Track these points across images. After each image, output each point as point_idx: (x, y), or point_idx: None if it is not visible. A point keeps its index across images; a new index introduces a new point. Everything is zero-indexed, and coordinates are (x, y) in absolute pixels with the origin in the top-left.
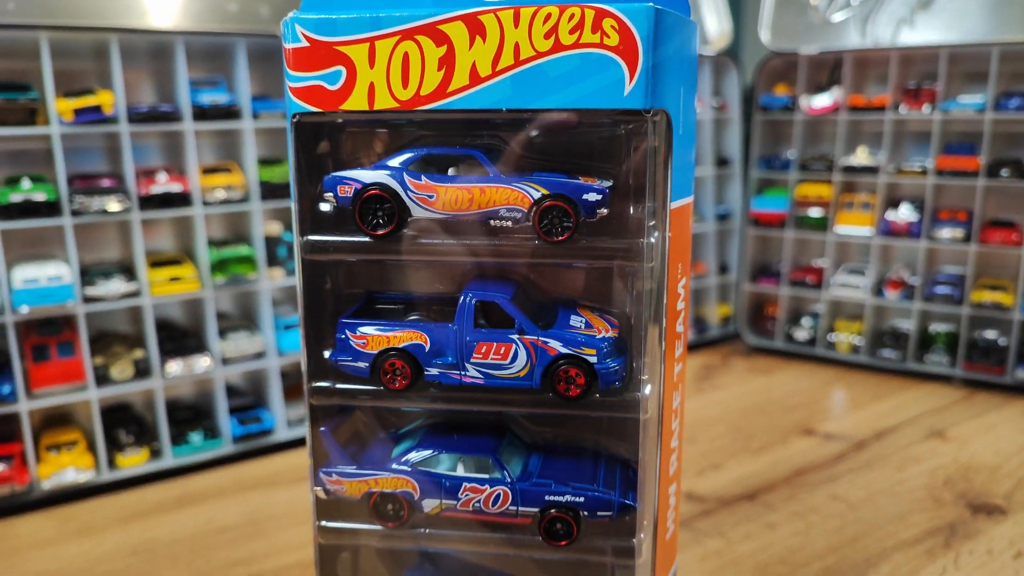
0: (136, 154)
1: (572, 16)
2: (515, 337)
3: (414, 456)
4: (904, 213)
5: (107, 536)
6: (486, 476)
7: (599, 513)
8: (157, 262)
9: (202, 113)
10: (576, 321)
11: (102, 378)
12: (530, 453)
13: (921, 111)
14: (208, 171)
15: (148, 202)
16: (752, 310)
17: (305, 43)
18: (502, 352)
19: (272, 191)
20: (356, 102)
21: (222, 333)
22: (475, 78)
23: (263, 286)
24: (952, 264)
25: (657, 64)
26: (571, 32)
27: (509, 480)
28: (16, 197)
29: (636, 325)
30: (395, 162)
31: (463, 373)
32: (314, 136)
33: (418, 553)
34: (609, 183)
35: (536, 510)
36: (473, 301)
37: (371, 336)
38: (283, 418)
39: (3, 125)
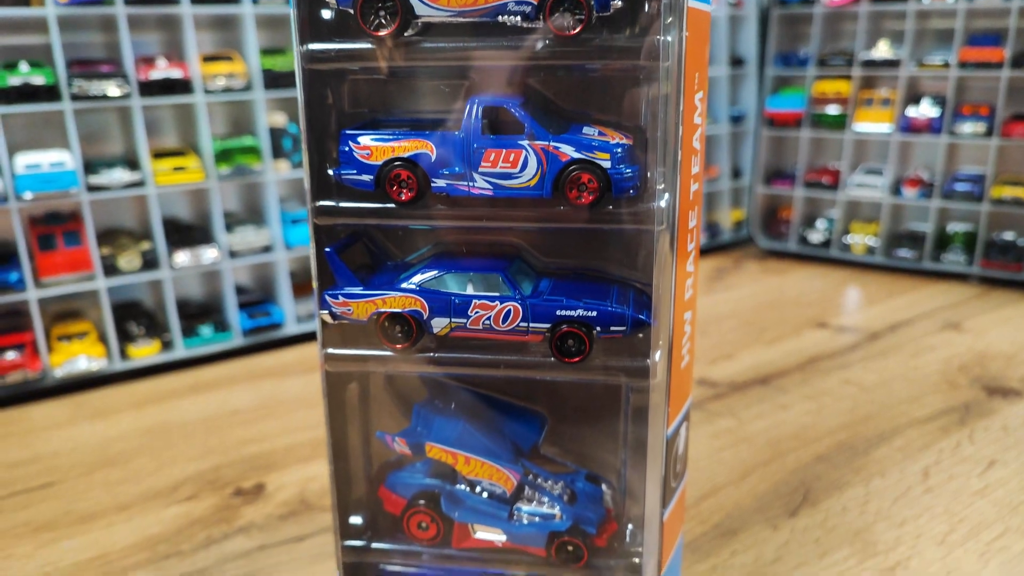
0: (135, 46)
1: None
2: (525, 143)
3: (422, 276)
4: (925, 109)
5: (121, 419)
6: (496, 293)
7: (612, 328)
8: (160, 153)
9: None
10: (589, 130)
11: (110, 268)
12: (540, 277)
13: (945, 1)
14: (208, 59)
15: (148, 88)
16: (765, 214)
17: None
18: (511, 159)
19: (275, 80)
20: None
21: (229, 227)
22: None
23: (268, 178)
24: (972, 164)
25: None
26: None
27: (519, 296)
28: (15, 80)
29: (652, 135)
30: None
31: (471, 184)
32: None
33: (427, 386)
34: None
35: (547, 326)
36: (480, 107)
37: (375, 147)
38: (292, 313)
39: None
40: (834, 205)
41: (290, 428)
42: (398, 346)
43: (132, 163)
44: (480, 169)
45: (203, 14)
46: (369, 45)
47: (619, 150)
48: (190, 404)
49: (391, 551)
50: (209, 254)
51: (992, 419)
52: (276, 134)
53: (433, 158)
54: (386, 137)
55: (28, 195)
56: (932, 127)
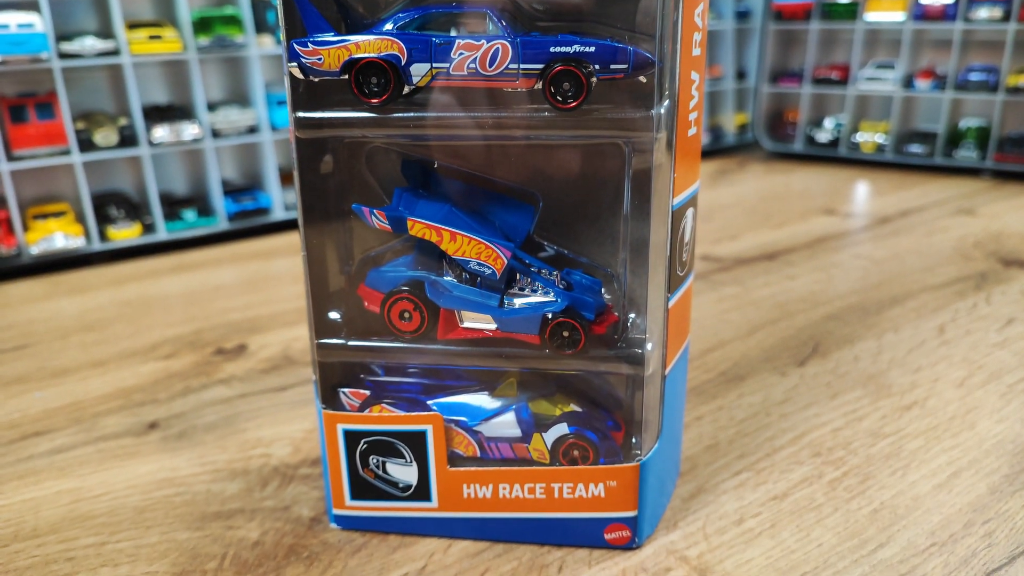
0: None
1: None
2: None
3: (400, 20)
4: None
5: (99, 294)
6: (479, 35)
7: (612, 66)
8: (135, 24)
9: None
10: None
11: (86, 143)
12: (532, 29)
13: None
14: None
15: None
16: (771, 116)
17: None
18: None
19: None
20: None
21: (212, 107)
22: None
23: (252, 53)
24: (987, 56)
25: None
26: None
27: (509, 33)
28: None
29: None
30: None
31: None
32: None
33: (409, 176)
34: None
35: (540, 66)
36: None
37: None
38: (280, 200)
39: None
40: (843, 103)
41: (275, 299)
42: (374, 100)
43: (106, 35)
44: None
45: None
46: None
47: None
48: (171, 281)
49: (371, 348)
50: (190, 130)
51: (1010, 285)
52: (259, 6)
53: None
54: None
55: None
56: (947, 13)
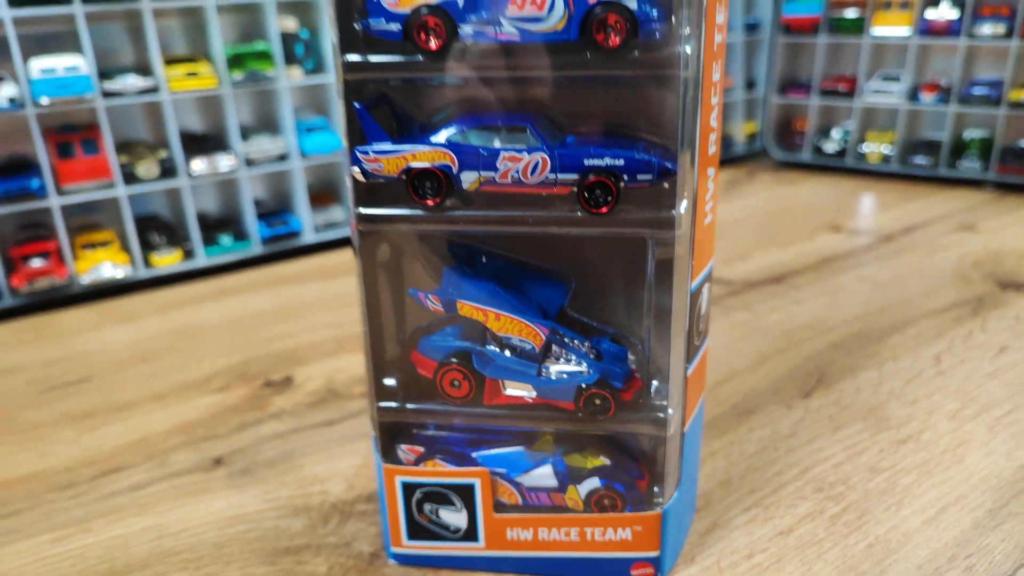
0: None
1: None
2: None
3: (451, 131)
4: (944, 11)
5: (148, 322)
6: (524, 146)
7: (639, 176)
8: (172, 60)
9: None
10: None
11: (129, 176)
12: (566, 134)
13: None
14: None
15: None
16: (779, 125)
17: None
18: (538, 2)
19: None
20: None
21: (244, 135)
22: None
23: (282, 85)
24: (992, 68)
25: None
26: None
27: (547, 147)
28: None
29: None
30: None
31: (498, 29)
32: None
33: (455, 254)
34: None
35: (575, 176)
36: None
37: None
38: (310, 223)
39: None
40: (850, 114)
41: (312, 327)
42: (428, 202)
43: (144, 71)
44: (507, 13)
45: None
46: None
47: None
48: (213, 308)
49: (424, 411)
50: (225, 162)
51: (1005, 310)
52: (288, 40)
53: (461, 4)
54: None
55: (44, 100)
56: (951, 29)
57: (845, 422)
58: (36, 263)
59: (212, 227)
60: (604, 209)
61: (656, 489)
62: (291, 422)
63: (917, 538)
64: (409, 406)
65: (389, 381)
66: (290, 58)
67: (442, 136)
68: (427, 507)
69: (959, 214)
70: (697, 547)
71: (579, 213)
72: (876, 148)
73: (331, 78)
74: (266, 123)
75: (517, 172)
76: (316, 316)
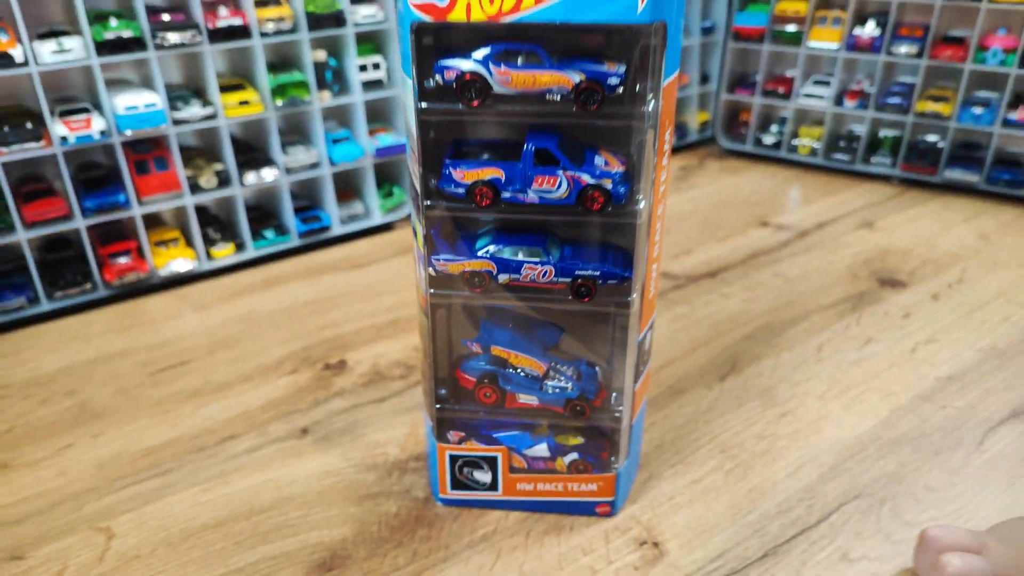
0: None
1: None
2: (560, 172)
3: (492, 248)
4: (870, 29)
5: (217, 310)
6: (538, 259)
7: (609, 281)
8: (225, 87)
9: None
10: (599, 160)
11: (194, 187)
12: (564, 245)
13: None
14: (260, 4)
15: (215, 35)
16: (728, 117)
17: None
18: (551, 182)
19: (317, 21)
20: (457, 14)
21: (283, 147)
22: (537, 0)
23: (315, 107)
24: (907, 75)
25: None
26: None
27: (552, 261)
28: (109, 35)
29: (636, 161)
30: (479, 54)
31: (526, 196)
32: (424, 34)
33: (487, 310)
34: (624, 68)
35: (569, 280)
36: (533, 148)
37: (466, 172)
38: (337, 216)
39: None
40: (787, 110)
41: (353, 316)
42: (477, 290)
43: (199, 93)
44: (532, 187)
45: None
46: (460, 106)
47: (617, 176)
48: (268, 297)
49: (465, 410)
50: (270, 173)
51: (877, 306)
52: (319, 68)
53: (503, 180)
54: (474, 166)
55: (128, 132)
56: (874, 46)
57: (746, 400)
58: (122, 260)
59: (256, 221)
60: (586, 299)
61: (613, 459)
62: (351, 399)
63: (781, 485)
64: (456, 408)
65: (442, 391)
66: (321, 83)
67: (488, 249)
68: (465, 470)
69: (865, 210)
70: (638, 492)
71: (571, 298)
72: (807, 142)
73: (355, 98)
74: (300, 137)
75: (533, 276)
76: (354, 306)
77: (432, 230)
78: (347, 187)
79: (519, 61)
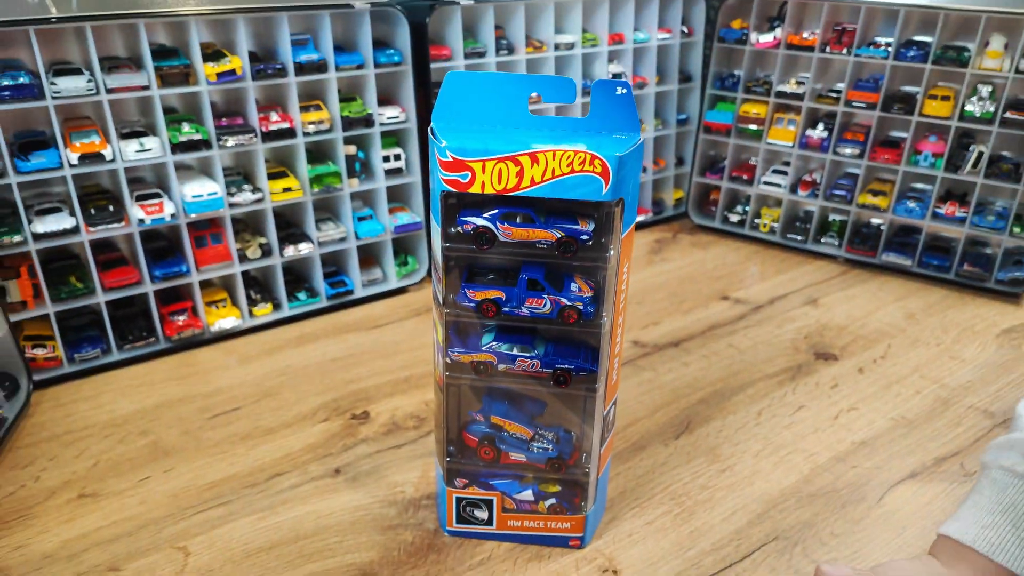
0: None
1: (580, 157)
2: (545, 296)
3: (494, 345)
4: (819, 131)
5: (260, 363)
6: (528, 354)
7: (581, 372)
8: (270, 174)
9: (300, 68)
10: (574, 287)
11: (241, 257)
12: (547, 344)
13: (841, 52)
14: (303, 108)
15: (267, 136)
16: (699, 196)
17: (450, 159)
18: (539, 303)
19: (350, 123)
20: (475, 188)
21: (316, 224)
22: (532, 181)
23: (345, 191)
24: (848, 176)
25: (619, 181)
26: (580, 164)
27: (539, 356)
28: (183, 137)
29: (602, 289)
30: (489, 213)
31: (520, 310)
32: (450, 198)
33: (488, 388)
34: (592, 227)
35: (551, 370)
36: (526, 277)
37: (477, 292)
38: (359, 281)
39: (167, 86)
40: (748, 195)
41: (374, 373)
42: (482, 375)
43: (248, 178)
44: (525, 305)
45: (301, 80)
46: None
47: (587, 299)
48: (301, 352)
49: (468, 463)
50: (306, 247)
51: (811, 377)
52: (349, 160)
53: (503, 299)
54: (482, 288)
55: (193, 216)
56: (822, 146)
57: (695, 456)
58: (180, 318)
59: (290, 283)
60: (564, 386)
61: (583, 503)
62: (374, 445)
63: (716, 528)
64: (460, 462)
65: (451, 448)
66: (351, 173)
67: (489, 345)
68: (468, 508)
69: (811, 288)
70: (604, 530)
71: (552, 384)
72: (768, 222)
73: (378, 184)
74: (332, 214)
75: (524, 367)
76: (374, 363)
77: (450, 330)
78: (369, 256)
79: (517, 220)
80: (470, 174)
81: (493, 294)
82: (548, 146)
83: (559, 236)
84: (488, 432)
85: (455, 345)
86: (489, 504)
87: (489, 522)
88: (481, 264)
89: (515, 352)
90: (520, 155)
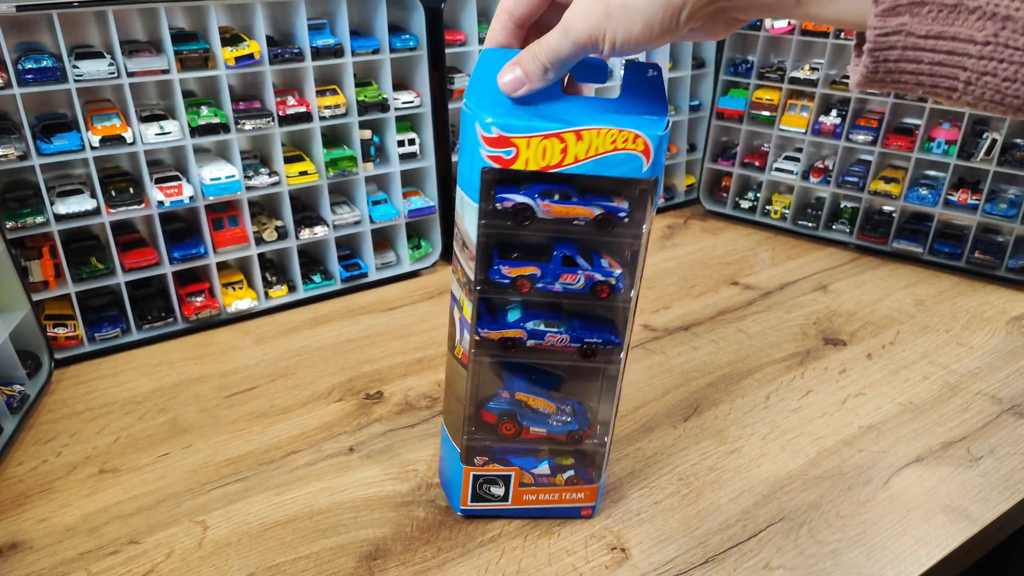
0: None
1: (624, 135)
2: (579, 272)
3: (519, 318)
4: (832, 117)
5: (276, 343)
6: (556, 329)
7: (606, 345)
8: (286, 157)
9: (316, 53)
10: (605, 263)
11: (258, 240)
12: (571, 318)
13: (853, 37)
14: (320, 93)
15: (284, 120)
16: (710, 182)
17: (495, 134)
18: (573, 278)
19: (365, 108)
20: (519, 165)
21: (331, 207)
22: (576, 158)
23: (360, 175)
24: (861, 163)
25: (655, 161)
26: (623, 142)
27: (567, 331)
28: (201, 121)
29: (629, 264)
30: (528, 190)
31: (554, 286)
32: (489, 174)
33: (507, 364)
34: (626, 204)
35: (578, 345)
36: (560, 254)
37: (512, 268)
38: (373, 264)
39: (186, 70)
40: (760, 182)
41: (388, 354)
42: (511, 351)
43: (265, 162)
44: (559, 280)
45: (318, 65)
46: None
47: (618, 274)
48: (316, 334)
49: (487, 438)
50: (321, 230)
51: (820, 362)
52: (364, 144)
53: (538, 275)
54: (517, 264)
55: (211, 198)
56: (835, 133)
57: (703, 438)
58: (198, 299)
59: (305, 265)
60: (592, 358)
61: (594, 474)
62: (388, 424)
63: (723, 508)
64: (481, 439)
65: (471, 427)
66: (365, 156)
67: (516, 319)
68: (484, 486)
69: (822, 274)
70: (612, 508)
71: (579, 357)
72: (779, 208)
73: (393, 168)
74: (347, 197)
75: (553, 342)
76: (387, 344)
77: (481, 305)
78: (382, 239)
79: (556, 197)
80: (514, 150)
81: (528, 270)
82: (592, 124)
83: (597, 213)
84: (508, 408)
85: (484, 322)
86: (507, 480)
87: (505, 498)
88: (510, 242)
89: (543, 328)
90: (565, 132)
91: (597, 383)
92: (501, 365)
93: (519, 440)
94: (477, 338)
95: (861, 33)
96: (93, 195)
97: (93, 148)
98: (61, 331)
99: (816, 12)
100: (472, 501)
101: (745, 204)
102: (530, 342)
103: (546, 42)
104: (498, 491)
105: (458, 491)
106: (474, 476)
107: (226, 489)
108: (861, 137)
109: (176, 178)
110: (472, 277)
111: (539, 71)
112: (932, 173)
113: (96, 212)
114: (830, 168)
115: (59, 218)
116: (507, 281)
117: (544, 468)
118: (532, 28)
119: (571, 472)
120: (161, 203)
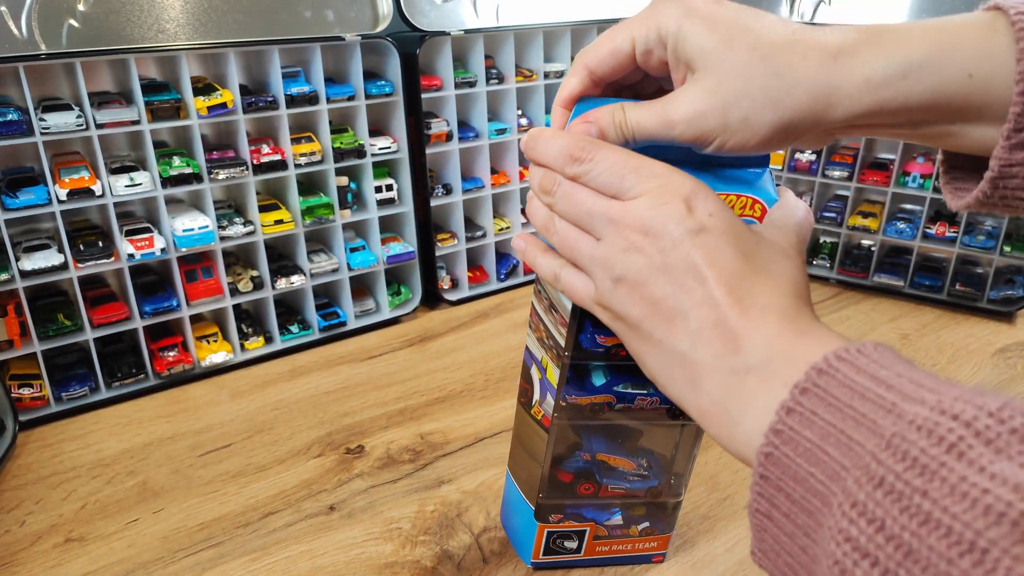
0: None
1: (742, 201)
2: None
3: (611, 386)
4: (807, 155)
5: (252, 397)
6: (644, 391)
7: None
8: (261, 206)
9: (291, 100)
10: None
11: (233, 291)
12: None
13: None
14: (295, 140)
15: (259, 168)
16: None
17: None
18: None
19: (341, 154)
20: None
21: (308, 256)
22: None
23: (337, 223)
24: (838, 199)
25: None
26: (740, 208)
27: (654, 392)
28: (173, 171)
29: None
30: None
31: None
32: None
33: (587, 429)
34: None
35: (668, 406)
36: None
37: (607, 338)
38: (351, 312)
39: (158, 120)
40: None
41: (368, 406)
42: (598, 415)
43: (240, 211)
44: None
45: (293, 112)
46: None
47: None
48: (294, 386)
49: (566, 501)
50: (298, 279)
51: None
52: (341, 191)
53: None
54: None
55: (184, 250)
56: (811, 169)
57: (696, 484)
58: (170, 354)
59: (282, 315)
60: (680, 419)
61: (666, 523)
62: (369, 480)
63: (720, 561)
64: (556, 499)
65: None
66: (343, 204)
67: (603, 384)
68: (558, 541)
69: None
70: (680, 551)
71: (668, 417)
72: None
73: (371, 215)
74: (324, 245)
75: (643, 405)
76: (368, 395)
77: (569, 372)
78: (361, 286)
79: None
80: None
81: None
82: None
83: None
84: (584, 466)
85: (571, 388)
86: (581, 535)
87: (578, 550)
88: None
89: (631, 391)
90: None
91: (669, 431)
92: (580, 426)
93: (597, 499)
94: (564, 403)
95: (955, 154)
96: (60, 249)
97: (60, 202)
98: (26, 391)
99: (942, 145)
100: (544, 555)
101: None
102: (618, 405)
103: (638, 121)
104: (571, 544)
105: (529, 546)
106: (548, 532)
107: (199, 556)
108: (837, 173)
109: (147, 230)
110: (561, 343)
111: (618, 143)
112: (909, 207)
113: (63, 267)
114: (808, 204)
115: (24, 274)
116: (601, 350)
117: (617, 519)
118: (609, 86)
119: (646, 523)
120: (131, 256)
